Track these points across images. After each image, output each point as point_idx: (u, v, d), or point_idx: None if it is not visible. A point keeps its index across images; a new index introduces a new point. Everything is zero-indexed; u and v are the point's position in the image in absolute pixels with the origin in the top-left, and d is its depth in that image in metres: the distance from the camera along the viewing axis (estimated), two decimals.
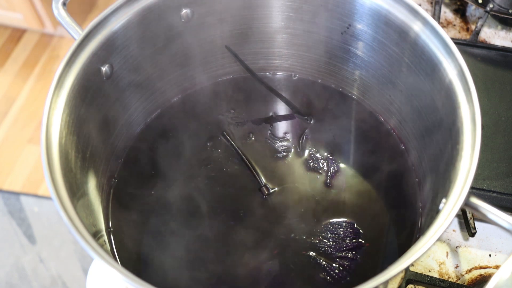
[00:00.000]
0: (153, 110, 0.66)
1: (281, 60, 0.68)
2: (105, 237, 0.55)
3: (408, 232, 0.56)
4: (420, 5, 0.83)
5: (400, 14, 0.53)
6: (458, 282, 0.61)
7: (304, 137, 0.65)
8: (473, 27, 0.83)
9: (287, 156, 0.64)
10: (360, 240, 0.57)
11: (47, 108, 0.47)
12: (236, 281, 0.55)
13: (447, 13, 0.84)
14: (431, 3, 0.84)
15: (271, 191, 0.61)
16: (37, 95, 1.84)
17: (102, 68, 0.54)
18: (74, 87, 0.50)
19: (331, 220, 0.58)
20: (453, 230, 0.65)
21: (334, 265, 0.55)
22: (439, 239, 0.49)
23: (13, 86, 1.86)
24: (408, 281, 0.58)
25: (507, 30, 0.82)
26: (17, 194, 1.62)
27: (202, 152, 0.64)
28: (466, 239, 0.64)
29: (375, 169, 0.62)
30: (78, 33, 0.54)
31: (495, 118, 0.69)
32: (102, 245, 0.44)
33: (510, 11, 0.78)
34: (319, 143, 0.65)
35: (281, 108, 0.68)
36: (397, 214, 0.59)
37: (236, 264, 0.56)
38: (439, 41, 0.50)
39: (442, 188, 0.47)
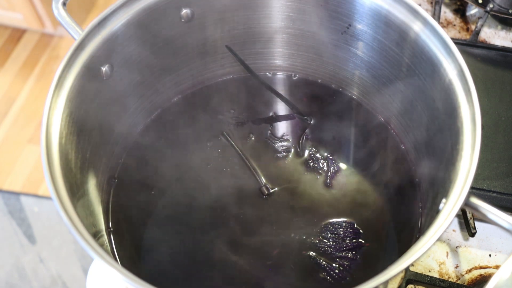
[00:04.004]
0: (153, 110, 0.66)
1: (281, 60, 0.68)
2: (105, 237, 0.55)
3: (408, 232, 0.56)
4: (420, 5, 0.83)
5: (400, 14, 0.53)
6: (458, 282, 0.61)
7: (304, 137, 0.65)
8: (473, 27, 0.83)
9: (287, 156, 0.64)
10: (360, 240, 0.57)
11: (47, 108, 0.47)
12: (236, 281, 0.55)
13: (447, 13, 0.84)
14: (431, 3, 0.84)
15: (271, 191, 0.61)
16: (37, 95, 1.84)
17: (102, 68, 0.54)
18: (74, 87, 0.50)
19: (331, 220, 0.58)
20: (453, 230, 0.65)
21: (334, 265, 0.55)
22: (439, 239, 0.49)
23: (13, 86, 1.86)
24: (408, 281, 0.58)
25: (507, 30, 0.82)
26: (17, 194, 1.62)
27: (202, 152, 0.64)
28: (466, 239, 0.64)
29: (375, 169, 0.62)
30: (78, 33, 0.54)
31: (495, 118, 0.69)
32: (102, 245, 0.44)
33: (510, 11, 0.78)
34: (319, 143, 0.65)
35: (281, 108, 0.68)
36: (397, 214, 0.59)
37: (236, 264, 0.56)
38: (439, 41, 0.50)
39: (442, 188, 0.47)
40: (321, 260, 0.56)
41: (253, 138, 0.66)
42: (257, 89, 0.69)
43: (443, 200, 0.42)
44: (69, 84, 0.49)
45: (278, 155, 0.64)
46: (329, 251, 0.56)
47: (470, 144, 0.44)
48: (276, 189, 0.61)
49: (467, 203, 0.41)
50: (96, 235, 0.51)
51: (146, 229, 0.59)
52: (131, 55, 0.57)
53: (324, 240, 0.57)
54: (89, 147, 0.54)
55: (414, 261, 0.39)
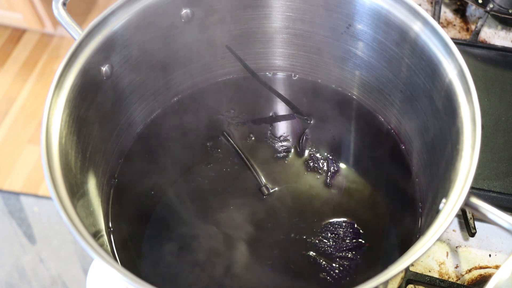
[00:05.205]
0: (153, 110, 0.66)
1: (281, 60, 0.68)
2: (105, 237, 0.55)
3: (408, 232, 0.56)
4: (420, 5, 0.83)
5: (400, 14, 0.53)
6: (458, 282, 0.61)
7: (304, 137, 0.65)
8: (473, 27, 0.83)
9: (287, 156, 0.64)
10: (360, 240, 0.57)
11: (47, 108, 0.47)
12: (236, 281, 0.55)
13: (447, 13, 0.84)
14: (431, 3, 0.84)
15: (271, 191, 0.61)
16: (37, 95, 1.84)
17: (102, 68, 0.54)
18: (74, 87, 0.50)
19: (331, 220, 0.58)
20: (453, 230, 0.65)
21: (334, 265, 0.55)
22: (439, 239, 0.49)
23: (13, 86, 1.86)
24: (408, 281, 0.58)
25: (507, 30, 0.82)
26: (17, 194, 1.62)
27: (202, 152, 0.64)
28: (466, 239, 0.64)
29: (375, 169, 0.62)
30: (78, 33, 0.54)
31: (495, 118, 0.69)
32: (102, 245, 0.44)
33: (510, 11, 0.78)
34: (319, 143, 0.65)
35: (281, 108, 0.68)
36: (397, 214, 0.59)
37: (236, 264, 0.56)
38: (439, 41, 0.50)
39: (442, 188, 0.47)
40: (321, 260, 0.56)
41: (253, 138, 0.66)
42: (257, 89, 0.69)
43: (443, 200, 0.42)
44: (69, 84, 0.49)
45: (278, 155, 0.64)
46: (329, 251, 0.56)
47: (470, 144, 0.44)
48: (276, 189, 0.61)
49: (467, 203, 0.41)
50: (96, 235, 0.51)
51: (146, 229, 0.59)
52: (131, 55, 0.57)
53: (324, 240, 0.57)
54: (89, 147, 0.54)
55: (414, 261, 0.39)
